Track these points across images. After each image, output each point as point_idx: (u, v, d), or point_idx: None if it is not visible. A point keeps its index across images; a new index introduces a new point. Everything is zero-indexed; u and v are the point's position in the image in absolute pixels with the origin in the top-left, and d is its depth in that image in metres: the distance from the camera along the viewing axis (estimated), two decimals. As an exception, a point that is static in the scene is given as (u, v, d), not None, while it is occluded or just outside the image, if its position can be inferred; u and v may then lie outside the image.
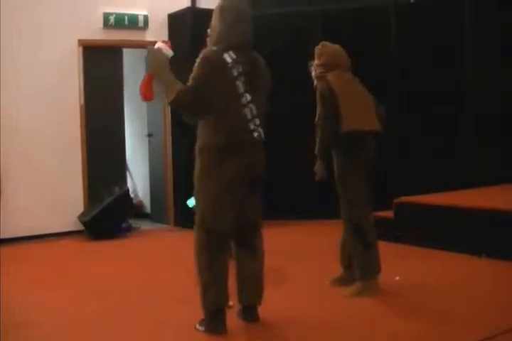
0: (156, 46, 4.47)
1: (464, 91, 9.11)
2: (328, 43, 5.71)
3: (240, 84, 4.21)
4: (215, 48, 4.29)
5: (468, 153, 8.93)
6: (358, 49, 8.78)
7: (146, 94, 4.74)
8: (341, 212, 5.56)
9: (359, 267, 5.46)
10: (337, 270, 5.77)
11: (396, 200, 7.49)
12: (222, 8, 4.40)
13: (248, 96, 4.23)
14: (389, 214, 7.50)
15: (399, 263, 6.46)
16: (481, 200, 7.07)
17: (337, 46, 5.70)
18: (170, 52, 4.44)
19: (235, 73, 4.21)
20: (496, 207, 6.61)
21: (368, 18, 9.34)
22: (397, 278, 5.85)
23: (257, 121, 4.28)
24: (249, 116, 4.24)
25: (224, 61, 4.21)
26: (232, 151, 4.22)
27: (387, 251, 7.01)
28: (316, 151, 5.46)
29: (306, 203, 9.18)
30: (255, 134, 4.26)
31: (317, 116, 5.49)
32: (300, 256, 7.04)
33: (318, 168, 5.46)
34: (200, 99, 4.19)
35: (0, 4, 8.51)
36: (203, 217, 4.33)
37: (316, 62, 5.62)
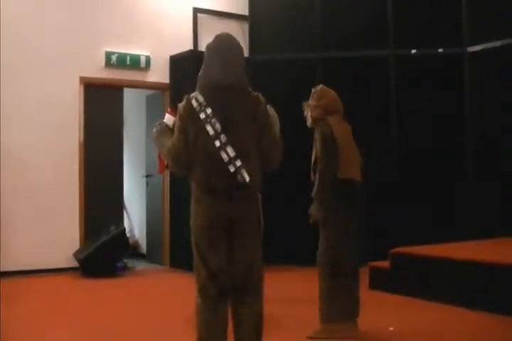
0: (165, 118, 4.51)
1: (464, 141, 9.20)
2: (326, 87, 5.71)
3: (211, 127, 3.99)
4: (191, 94, 4.14)
5: (468, 204, 8.98)
6: (357, 97, 8.88)
7: (159, 167, 4.90)
8: (318, 256, 5.53)
9: (320, 309, 5.46)
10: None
11: (392, 250, 7.42)
12: (206, 48, 4.32)
13: (224, 138, 3.99)
14: (385, 264, 7.43)
15: (394, 313, 6.40)
16: (477, 253, 7.00)
17: (333, 92, 5.69)
18: (171, 120, 4.43)
19: (203, 116, 4.01)
20: (492, 260, 6.54)
21: (367, 67, 9.40)
22: (391, 328, 5.77)
23: (238, 163, 3.97)
24: (226, 158, 3.97)
25: (190, 106, 4.05)
26: (206, 200, 4.01)
27: (383, 301, 6.98)
28: (313, 194, 5.42)
29: (304, 249, 9.12)
30: (238, 177, 3.96)
31: (314, 158, 5.47)
32: (293, 302, 6.95)
33: (315, 210, 5.40)
34: (181, 152, 4.07)
35: (1, 42, 8.61)
36: (195, 270, 4.17)
37: (313, 103, 5.59)
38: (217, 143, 3.97)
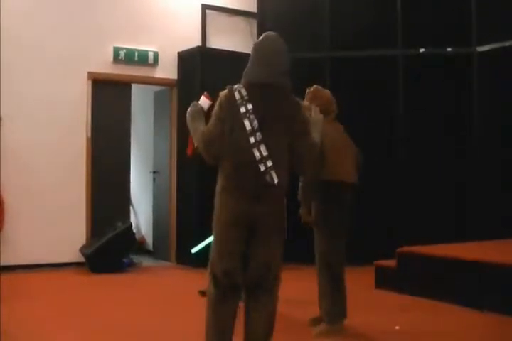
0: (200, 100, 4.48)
1: (469, 143, 9.18)
2: (320, 87, 5.73)
3: (249, 122, 4.00)
4: (235, 86, 4.17)
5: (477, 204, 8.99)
6: (365, 96, 8.84)
7: (189, 149, 4.82)
8: (316, 256, 5.53)
9: (326, 311, 5.46)
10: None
11: (399, 250, 7.40)
12: (253, 47, 4.33)
13: (259, 136, 3.99)
14: (391, 263, 7.42)
15: (399, 313, 6.39)
16: (484, 253, 6.98)
17: (328, 92, 5.71)
18: (206, 103, 4.42)
19: (243, 110, 4.03)
20: (499, 260, 6.51)
21: (376, 66, 9.35)
22: (397, 327, 5.76)
23: (269, 163, 3.95)
24: (258, 156, 3.95)
25: (233, 98, 4.07)
26: (232, 194, 4.01)
27: (389, 300, 6.97)
28: (298, 197, 5.42)
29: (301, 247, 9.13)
30: (266, 177, 3.95)
31: None
32: (297, 302, 6.91)
33: (303, 212, 5.45)
34: (215, 139, 4.07)
35: (11, 39, 8.63)
36: (211, 259, 4.16)
37: (307, 103, 5.43)
38: (252, 140, 3.98)
